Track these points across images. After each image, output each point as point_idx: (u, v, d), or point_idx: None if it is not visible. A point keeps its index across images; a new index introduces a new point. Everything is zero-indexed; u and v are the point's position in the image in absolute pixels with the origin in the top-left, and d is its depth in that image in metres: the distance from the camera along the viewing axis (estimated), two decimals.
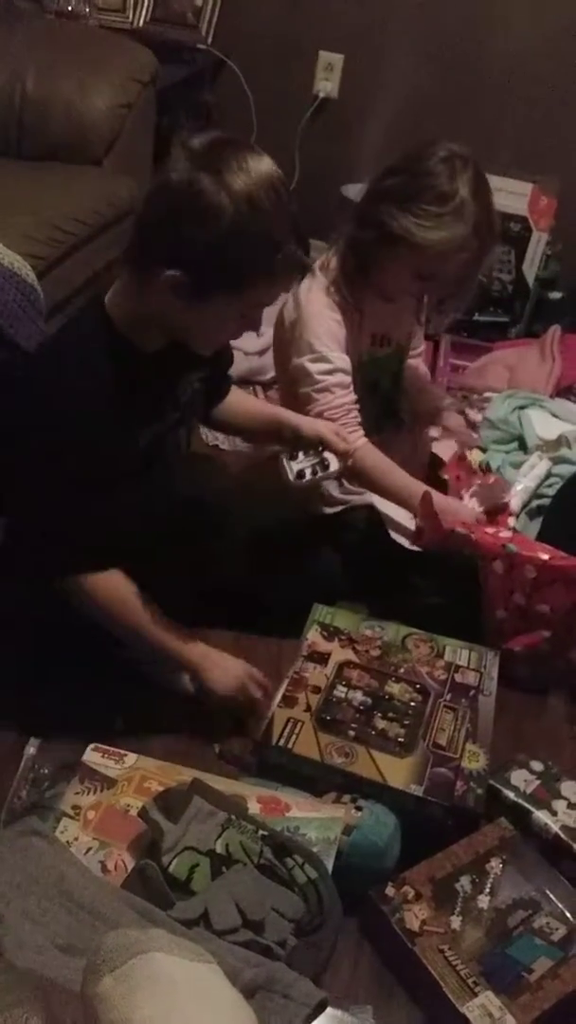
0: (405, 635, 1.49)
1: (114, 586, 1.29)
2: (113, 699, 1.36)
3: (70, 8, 2.58)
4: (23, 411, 1.23)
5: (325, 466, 1.44)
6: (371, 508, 1.64)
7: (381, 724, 1.31)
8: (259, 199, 1.10)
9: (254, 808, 1.18)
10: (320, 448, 1.45)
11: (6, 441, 1.21)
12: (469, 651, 1.47)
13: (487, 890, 1.16)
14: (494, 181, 1.60)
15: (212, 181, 1.08)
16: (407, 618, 1.52)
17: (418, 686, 1.39)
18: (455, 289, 1.62)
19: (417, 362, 1.94)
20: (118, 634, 1.32)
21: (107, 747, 1.25)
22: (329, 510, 1.69)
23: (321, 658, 1.42)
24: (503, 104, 2.71)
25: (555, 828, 1.25)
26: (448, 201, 1.48)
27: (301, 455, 1.45)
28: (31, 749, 1.27)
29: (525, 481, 1.81)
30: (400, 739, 1.29)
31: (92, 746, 1.25)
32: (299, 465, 1.44)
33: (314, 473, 1.44)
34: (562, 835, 1.25)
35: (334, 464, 1.44)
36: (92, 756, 1.23)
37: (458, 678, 1.42)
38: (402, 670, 1.42)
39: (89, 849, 1.13)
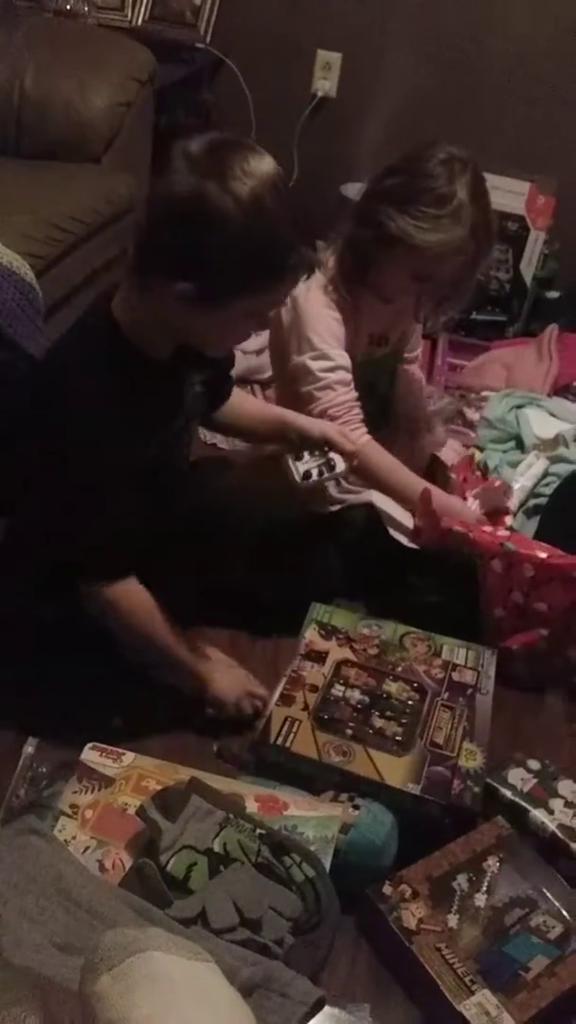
0: (403, 634, 1.49)
1: (139, 598, 1.30)
2: (111, 698, 1.35)
3: (69, 7, 2.57)
4: (30, 417, 1.22)
5: (331, 466, 1.44)
6: (370, 506, 1.64)
7: (379, 723, 1.31)
8: (265, 202, 1.09)
9: (252, 807, 1.18)
10: (325, 448, 1.45)
11: (6, 442, 1.21)
12: (466, 650, 1.48)
13: (484, 888, 1.17)
14: (492, 180, 1.60)
15: (217, 188, 1.07)
16: (405, 617, 1.52)
17: (416, 685, 1.39)
18: (452, 291, 1.62)
19: (414, 368, 1.93)
20: (131, 642, 1.33)
21: (105, 746, 1.25)
22: (328, 509, 1.69)
23: (319, 657, 1.42)
24: (503, 104, 2.71)
25: (552, 827, 1.26)
26: (446, 204, 1.48)
27: (307, 456, 1.45)
28: (29, 748, 1.26)
29: (522, 480, 1.81)
30: (397, 738, 1.29)
31: (90, 745, 1.25)
32: (305, 466, 1.44)
33: (320, 474, 1.44)
34: (559, 833, 1.25)
35: (340, 464, 1.45)
36: (90, 755, 1.23)
37: (455, 677, 1.42)
38: (400, 669, 1.42)
39: (87, 848, 1.13)
